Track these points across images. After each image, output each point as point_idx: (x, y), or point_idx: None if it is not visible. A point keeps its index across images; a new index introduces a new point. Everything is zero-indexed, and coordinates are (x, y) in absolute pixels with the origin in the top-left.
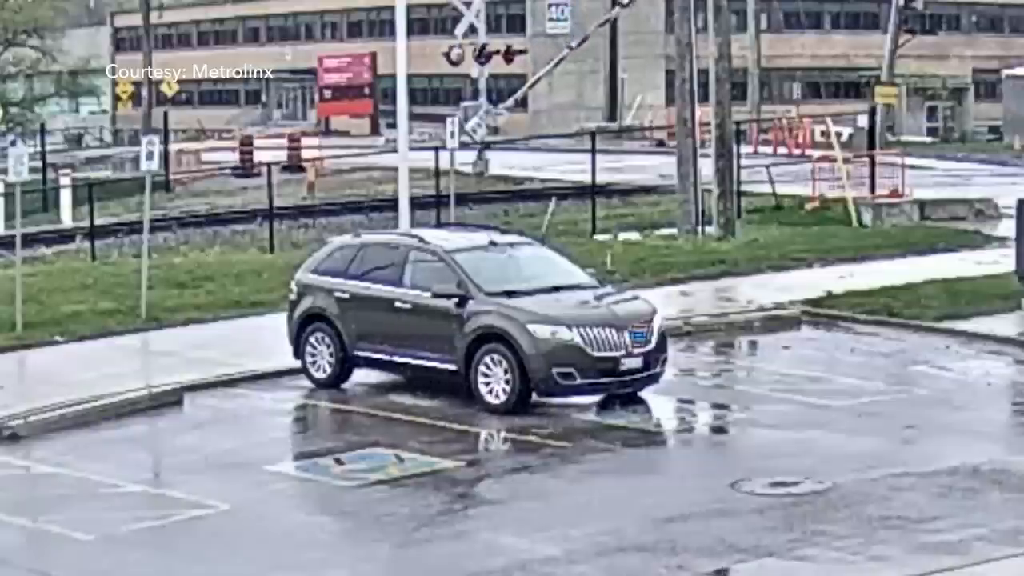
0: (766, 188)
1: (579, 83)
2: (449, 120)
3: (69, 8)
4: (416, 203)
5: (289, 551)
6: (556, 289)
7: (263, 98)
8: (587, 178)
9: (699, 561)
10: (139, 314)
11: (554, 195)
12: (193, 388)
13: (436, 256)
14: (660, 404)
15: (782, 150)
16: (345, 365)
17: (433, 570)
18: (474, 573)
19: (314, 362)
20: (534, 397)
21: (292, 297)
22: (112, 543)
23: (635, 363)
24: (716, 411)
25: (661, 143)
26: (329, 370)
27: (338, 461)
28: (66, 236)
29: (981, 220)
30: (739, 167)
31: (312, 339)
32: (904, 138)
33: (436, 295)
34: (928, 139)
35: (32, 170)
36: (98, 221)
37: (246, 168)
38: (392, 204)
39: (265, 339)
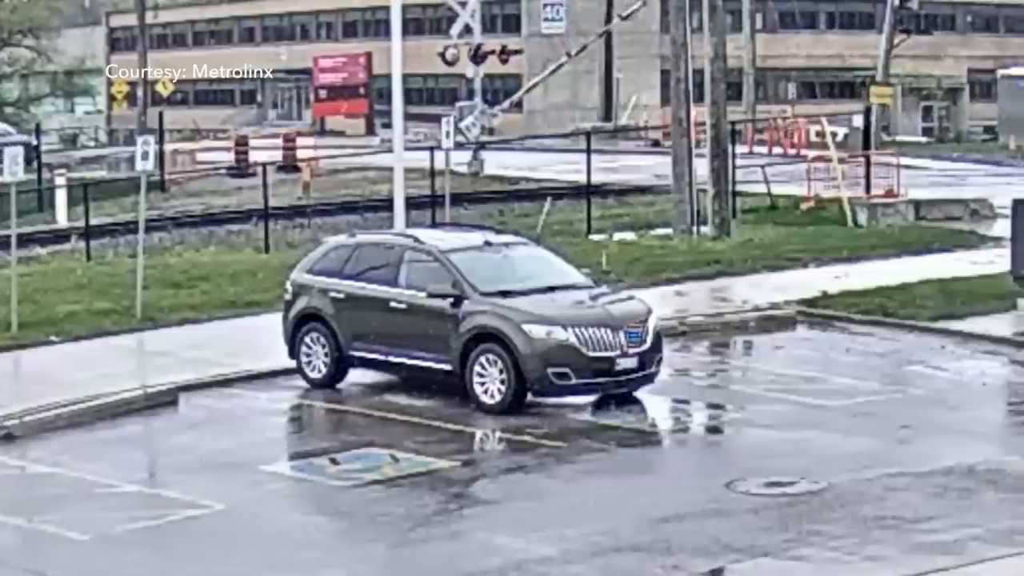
0: (761, 188)
1: (574, 83)
2: (444, 120)
3: (64, 8)
4: (411, 203)
5: (284, 551)
6: (551, 289)
7: (258, 98)
8: (582, 178)
9: (694, 561)
10: (134, 314)
11: (549, 195)
12: (188, 388)
13: (431, 256)
14: (655, 404)
15: (777, 150)
16: (340, 365)
17: (428, 570)
18: (469, 573)
19: (309, 362)
20: (529, 397)
21: (287, 297)
22: (108, 543)
23: (630, 363)
24: (711, 411)
25: (656, 143)
26: (324, 370)
27: (333, 461)
28: (61, 236)
29: (976, 220)
30: (734, 167)
31: (307, 339)
32: (899, 138)
33: (431, 295)
34: (923, 139)
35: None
36: (93, 221)
37: (241, 168)
38: (387, 204)
39: (260, 339)
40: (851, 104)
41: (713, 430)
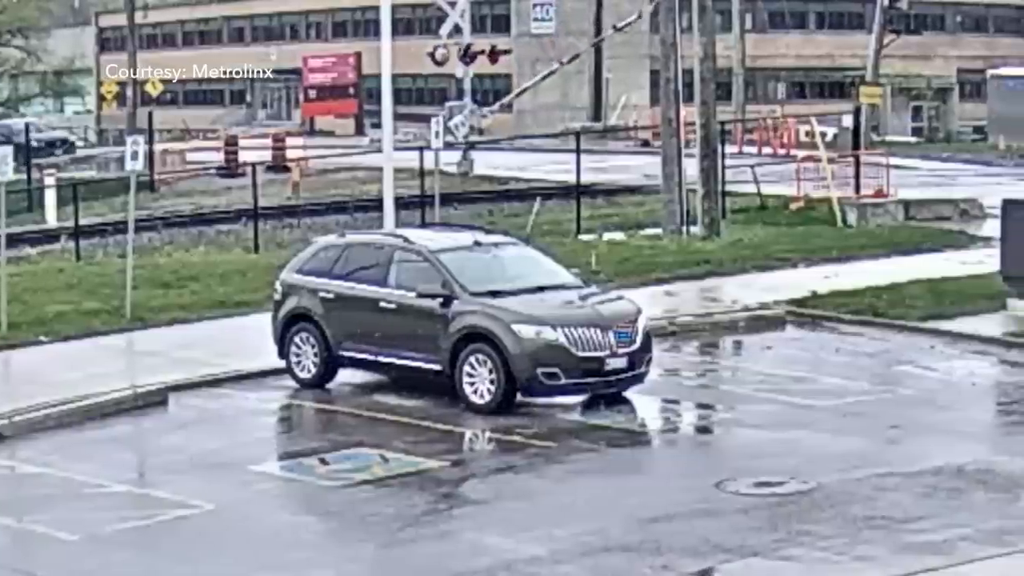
0: (751, 188)
1: (564, 83)
2: (434, 120)
3: (54, 8)
4: (401, 203)
5: (274, 551)
6: (541, 289)
7: (248, 98)
8: (572, 178)
9: (684, 561)
10: (124, 314)
11: (539, 195)
12: (178, 388)
13: (421, 256)
14: (645, 404)
15: (767, 150)
16: (330, 365)
17: (418, 570)
18: (459, 573)
19: (299, 362)
20: (519, 397)
21: (277, 297)
22: (97, 543)
23: (620, 363)
24: (701, 411)
25: (646, 143)
26: (314, 370)
27: (323, 461)
28: (51, 236)
29: (966, 220)
30: (724, 167)
31: (297, 339)
32: (889, 138)
33: (421, 295)
34: (913, 139)
35: (16, 170)
36: (83, 221)
37: (231, 168)
38: (377, 204)
39: (250, 339)
40: (841, 104)
41: (703, 430)
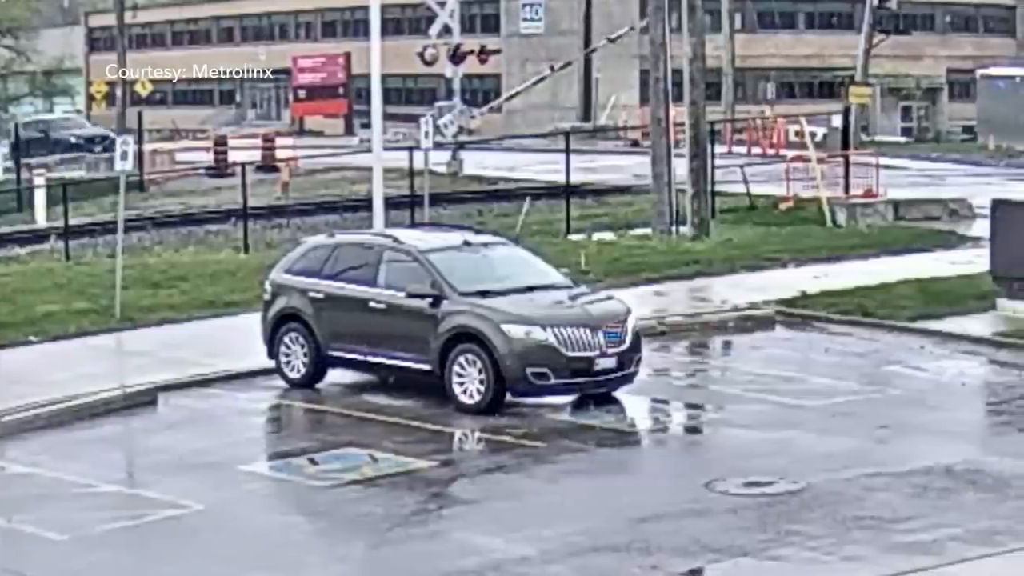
0: (740, 188)
1: (554, 83)
2: (423, 120)
3: (43, 8)
4: (390, 203)
5: (263, 551)
6: (530, 289)
7: (237, 98)
8: (561, 178)
9: (673, 561)
10: (113, 314)
11: (528, 195)
12: (167, 388)
13: (410, 256)
14: (634, 404)
15: (756, 150)
16: (319, 365)
17: (407, 570)
18: (448, 573)
19: (288, 362)
20: (508, 397)
21: (266, 297)
22: (86, 543)
23: (609, 363)
24: (690, 411)
25: (635, 143)
26: (303, 370)
27: (312, 461)
28: (40, 236)
29: (955, 220)
30: (713, 167)
31: (286, 339)
32: (878, 138)
33: (410, 295)
34: (902, 139)
35: (6, 170)
36: (72, 221)
37: (220, 168)
38: (366, 204)
39: (239, 339)
40: (830, 104)
41: (692, 430)
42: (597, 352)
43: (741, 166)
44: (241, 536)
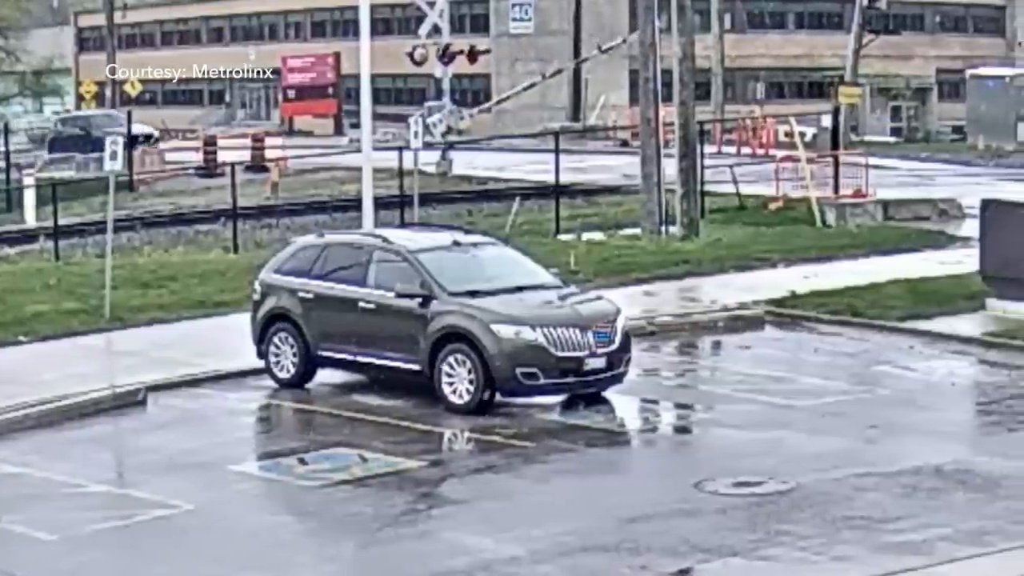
0: (730, 188)
1: (543, 84)
2: (412, 120)
3: (33, 8)
4: (380, 203)
5: (253, 551)
6: (520, 289)
7: (227, 98)
8: (551, 178)
9: (662, 561)
10: (103, 314)
11: (518, 195)
12: (157, 388)
13: (400, 256)
14: (624, 404)
15: (746, 150)
16: (309, 365)
17: (397, 570)
18: (437, 573)
19: (278, 362)
20: (498, 397)
21: (256, 297)
22: (76, 543)
23: (599, 363)
24: (680, 411)
25: (625, 143)
26: (293, 370)
27: (302, 461)
28: (30, 236)
29: (945, 220)
30: (703, 167)
31: (276, 339)
32: (868, 138)
33: (400, 295)
34: (892, 139)
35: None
36: (62, 221)
37: (210, 168)
38: (356, 204)
39: (229, 339)
40: (819, 104)
41: (682, 430)
42: (587, 352)
43: (730, 166)
44: (231, 536)
